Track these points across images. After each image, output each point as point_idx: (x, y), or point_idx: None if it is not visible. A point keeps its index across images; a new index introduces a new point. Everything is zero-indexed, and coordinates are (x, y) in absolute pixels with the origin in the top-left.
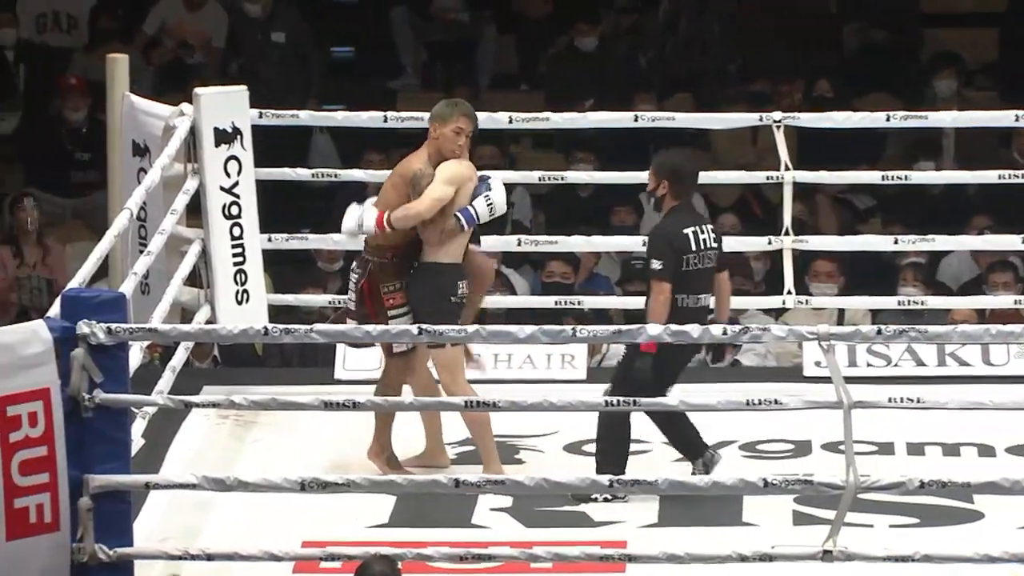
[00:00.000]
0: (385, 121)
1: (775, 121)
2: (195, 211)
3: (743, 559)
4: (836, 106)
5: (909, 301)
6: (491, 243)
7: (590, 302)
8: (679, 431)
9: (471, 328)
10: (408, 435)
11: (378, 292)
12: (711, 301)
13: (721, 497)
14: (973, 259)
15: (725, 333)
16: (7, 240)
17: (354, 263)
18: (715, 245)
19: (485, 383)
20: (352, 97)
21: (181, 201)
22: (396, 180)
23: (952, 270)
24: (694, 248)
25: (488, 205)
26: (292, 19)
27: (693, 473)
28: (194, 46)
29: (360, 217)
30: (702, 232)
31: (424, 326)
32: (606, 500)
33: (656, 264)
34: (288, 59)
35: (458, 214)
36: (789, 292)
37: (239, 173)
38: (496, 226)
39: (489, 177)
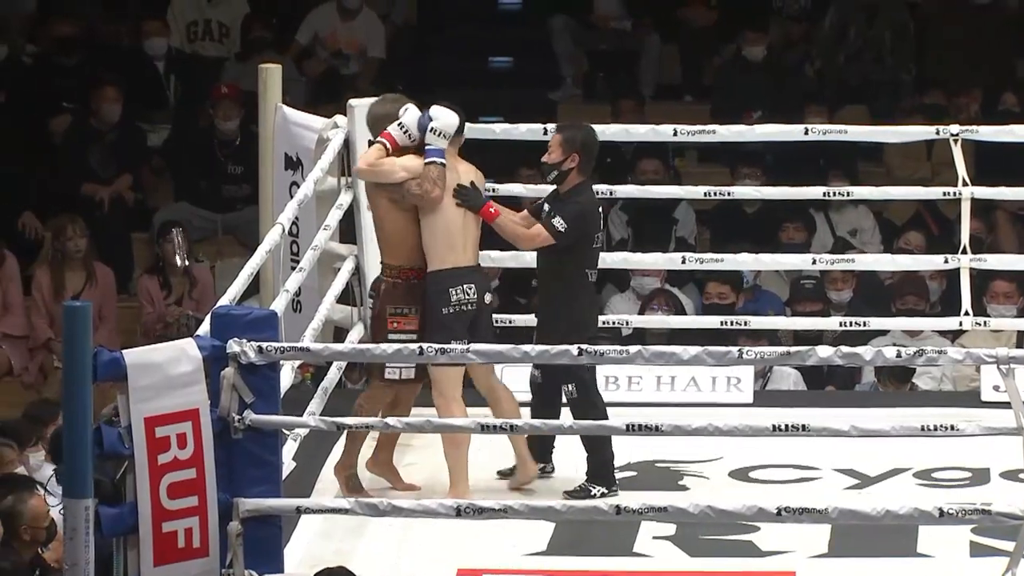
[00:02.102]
0: (545, 134)
1: (952, 135)
2: (349, 227)
3: None
4: (1016, 119)
5: None
6: (655, 260)
7: (757, 322)
8: (545, 440)
9: (633, 349)
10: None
11: (384, 314)
12: None
13: (895, 526)
14: None
15: (899, 355)
16: (154, 270)
17: (370, 288)
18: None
19: (648, 406)
20: (510, 108)
21: (334, 216)
22: None
23: None
24: (600, 227)
25: (438, 135)
26: None
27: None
28: (348, 56)
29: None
30: (600, 211)
31: (585, 347)
32: (603, 495)
33: (560, 225)
34: None
35: (431, 159)
36: (966, 313)
37: None
38: (661, 243)
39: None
